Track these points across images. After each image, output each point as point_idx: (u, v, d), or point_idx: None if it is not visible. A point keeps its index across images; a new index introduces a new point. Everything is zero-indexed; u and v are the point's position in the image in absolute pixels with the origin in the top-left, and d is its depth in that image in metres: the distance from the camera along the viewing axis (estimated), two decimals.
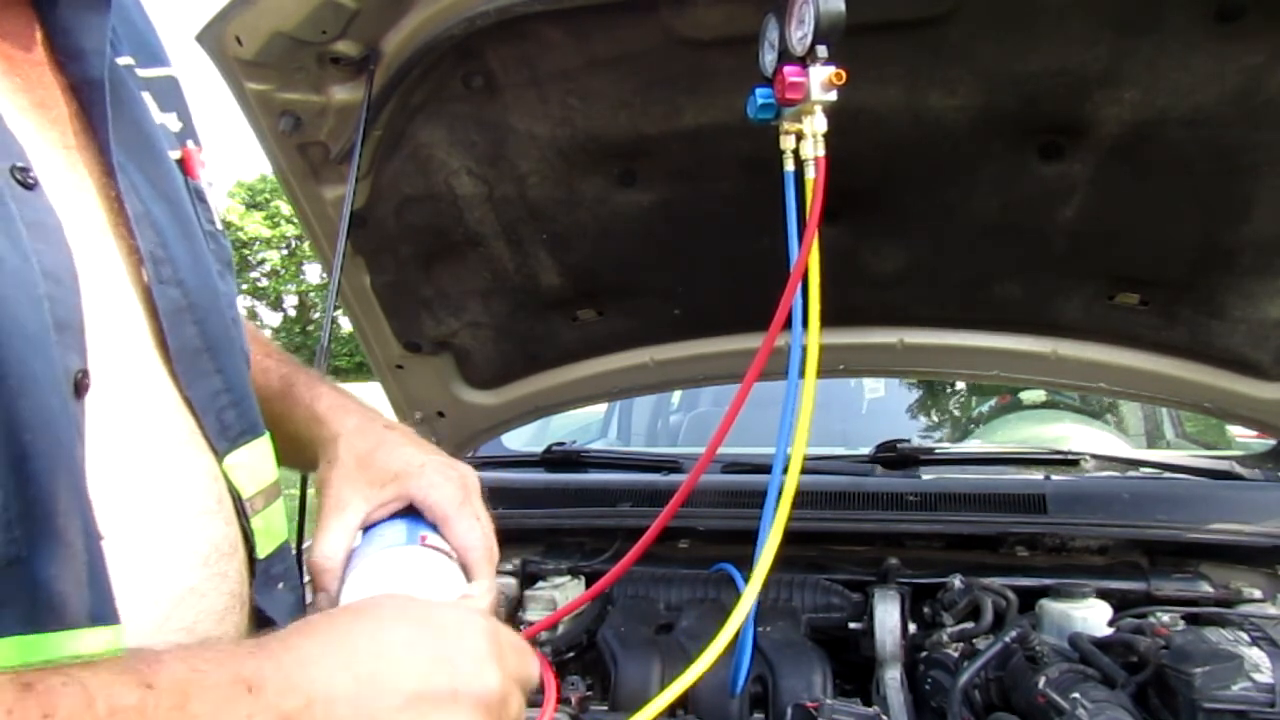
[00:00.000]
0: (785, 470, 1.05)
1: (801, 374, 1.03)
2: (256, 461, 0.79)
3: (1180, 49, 1.30)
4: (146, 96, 0.77)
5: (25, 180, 0.58)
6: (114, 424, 0.63)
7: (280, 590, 0.81)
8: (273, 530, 0.81)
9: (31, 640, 0.54)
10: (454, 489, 0.84)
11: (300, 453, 0.92)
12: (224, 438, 0.75)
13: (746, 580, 1.22)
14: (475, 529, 0.83)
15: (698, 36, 1.37)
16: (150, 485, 0.67)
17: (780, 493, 1.07)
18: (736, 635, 1.01)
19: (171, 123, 0.80)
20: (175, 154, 0.78)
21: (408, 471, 0.84)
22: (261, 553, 0.78)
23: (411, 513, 0.84)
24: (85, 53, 0.68)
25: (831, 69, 1.01)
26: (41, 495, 0.54)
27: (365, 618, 0.63)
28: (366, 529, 0.83)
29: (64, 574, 0.56)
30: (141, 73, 0.77)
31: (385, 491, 0.84)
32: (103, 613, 0.58)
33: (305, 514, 1.31)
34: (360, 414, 0.90)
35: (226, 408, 0.76)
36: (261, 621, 0.78)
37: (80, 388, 0.59)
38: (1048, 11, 1.30)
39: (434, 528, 0.82)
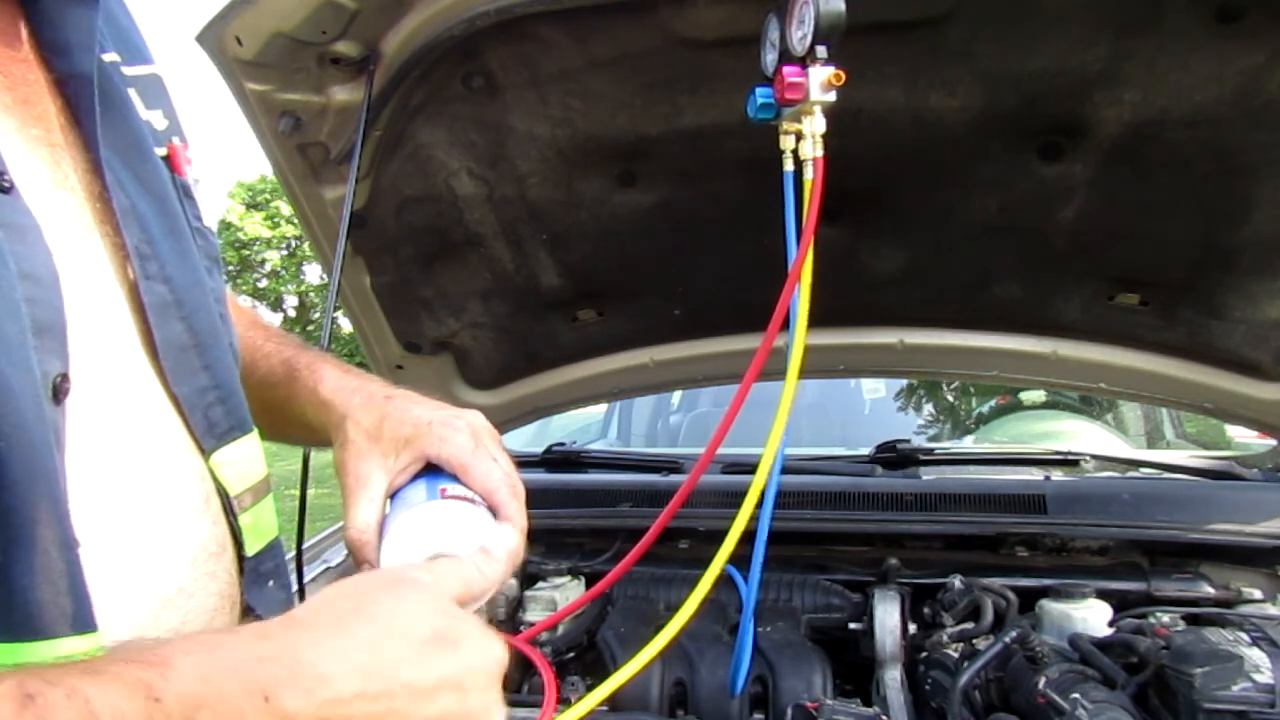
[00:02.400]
0: (782, 471, 1.05)
1: (797, 373, 1.03)
2: (244, 458, 0.79)
3: (1180, 50, 1.30)
4: (132, 93, 0.76)
5: (1, 184, 0.57)
6: (98, 425, 0.63)
7: (271, 588, 0.81)
8: (262, 528, 0.81)
9: (8, 648, 0.54)
10: (465, 437, 0.85)
11: (313, 435, 0.93)
12: (211, 435, 0.75)
13: (747, 581, 1.22)
14: (494, 469, 0.83)
15: (698, 37, 1.37)
16: (136, 486, 0.67)
17: (778, 494, 1.07)
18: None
19: (157, 120, 0.79)
20: (161, 151, 0.78)
21: (417, 432, 0.85)
22: (250, 550, 0.79)
23: (431, 470, 0.85)
24: (72, 47, 0.68)
25: (831, 69, 1.01)
26: (17, 504, 0.54)
27: (374, 615, 0.60)
28: (392, 496, 0.84)
29: (41, 582, 0.55)
30: (127, 70, 0.77)
31: (401, 458, 0.85)
32: (80, 620, 0.58)
33: (305, 514, 1.31)
34: (362, 390, 0.91)
35: (214, 404, 0.75)
36: (253, 620, 0.78)
37: (60, 392, 0.58)
38: (1047, 12, 1.30)
39: (455, 479, 0.84)
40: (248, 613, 0.78)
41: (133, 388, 0.69)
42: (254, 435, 0.81)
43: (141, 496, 0.67)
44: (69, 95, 0.68)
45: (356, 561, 0.81)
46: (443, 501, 0.80)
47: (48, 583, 0.55)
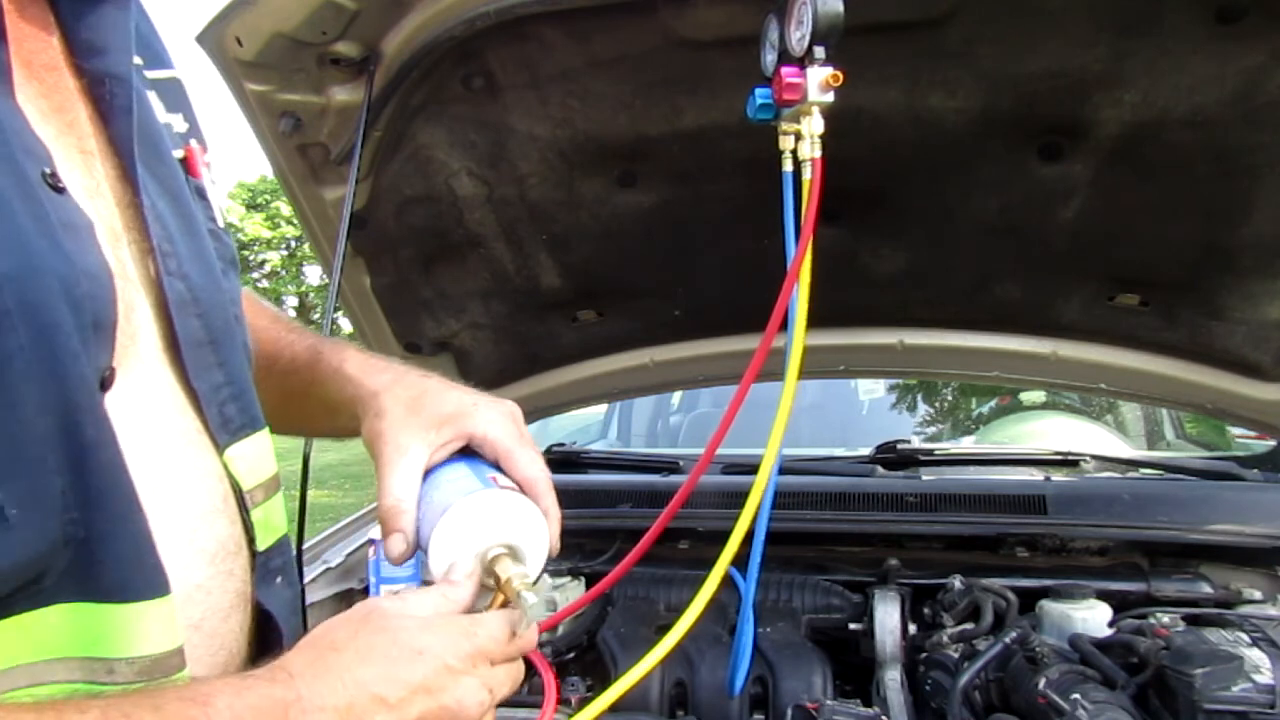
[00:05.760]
0: (783, 471, 1.04)
1: (796, 373, 1.02)
2: (256, 454, 0.80)
3: (1180, 50, 1.30)
4: (152, 96, 0.78)
5: (56, 185, 0.60)
6: (129, 420, 0.65)
7: (279, 584, 0.82)
8: (272, 524, 0.82)
9: (90, 608, 0.59)
10: (510, 424, 0.87)
11: (334, 417, 0.94)
12: (225, 430, 0.76)
13: (746, 581, 1.22)
14: (536, 460, 0.85)
15: (698, 37, 1.37)
16: (161, 482, 0.68)
17: (778, 494, 1.07)
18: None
19: (177, 124, 0.81)
20: (179, 153, 0.79)
21: (462, 411, 0.86)
22: (261, 545, 0.80)
23: (469, 454, 0.85)
24: (109, 48, 0.70)
25: (829, 70, 1.00)
26: (96, 481, 0.58)
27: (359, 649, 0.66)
28: (427, 473, 0.84)
29: (120, 551, 0.60)
30: (148, 74, 0.78)
31: (443, 433, 0.85)
32: (156, 583, 0.63)
33: (305, 514, 1.31)
34: (392, 370, 0.92)
35: (228, 401, 0.76)
36: (260, 616, 0.79)
37: (105, 384, 0.61)
38: (1047, 13, 1.30)
39: (494, 465, 0.84)
40: (257, 608, 0.79)
41: (157, 384, 0.71)
42: (265, 433, 0.82)
43: (167, 491, 0.69)
44: (98, 99, 0.69)
45: (386, 531, 0.81)
46: (500, 491, 0.79)
47: (126, 551, 0.61)
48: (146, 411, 0.68)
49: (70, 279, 0.57)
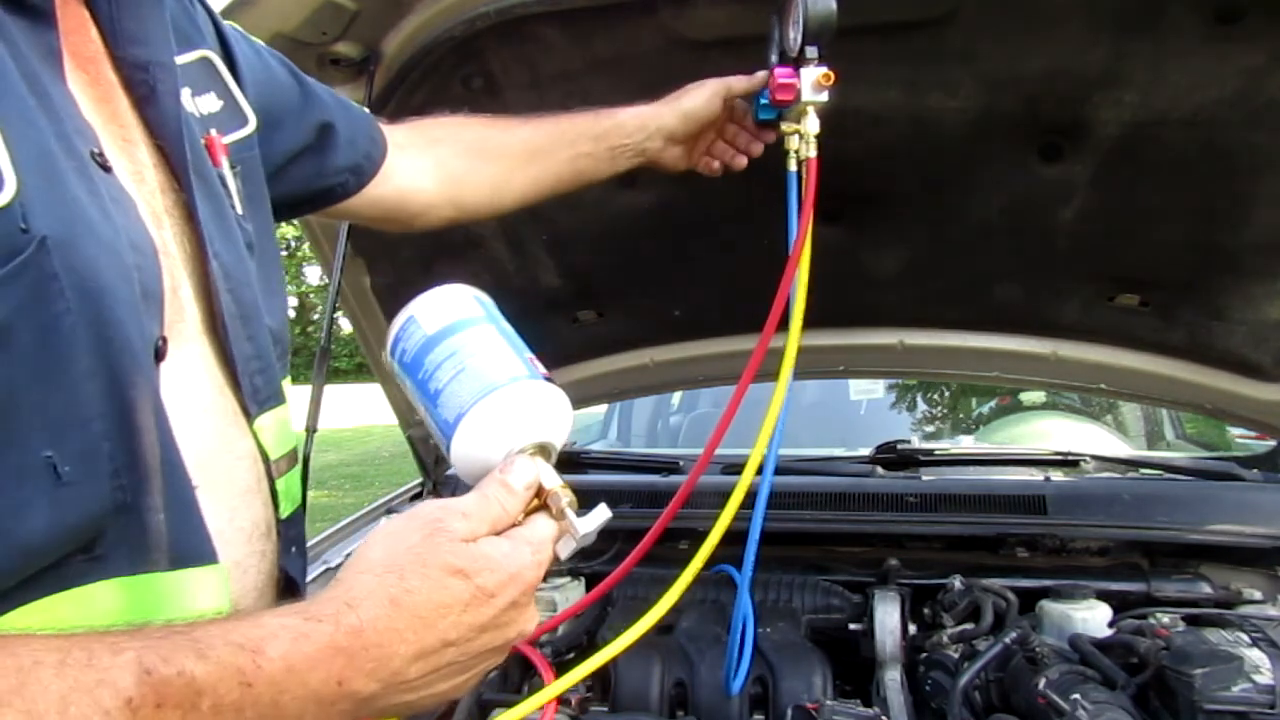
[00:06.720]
0: (783, 472, 1.05)
1: (793, 373, 1.02)
2: (280, 425, 0.83)
3: (1180, 51, 1.30)
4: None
5: (104, 164, 0.62)
6: (179, 395, 0.67)
7: (294, 554, 0.85)
8: (292, 494, 0.85)
9: (140, 580, 0.60)
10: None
11: (611, 145, 1.28)
12: (254, 401, 0.78)
13: (741, 580, 1.22)
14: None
15: (698, 37, 1.37)
16: (207, 458, 0.70)
17: (779, 494, 1.07)
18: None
19: (206, 103, 0.82)
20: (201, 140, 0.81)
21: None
22: (283, 514, 0.82)
23: (490, 313, 0.84)
24: (150, 37, 0.72)
25: (822, 70, 1.01)
26: (143, 448, 0.59)
27: (416, 589, 0.63)
28: (443, 327, 0.83)
29: (167, 519, 0.61)
30: (176, 59, 0.80)
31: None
32: (203, 552, 0.64)
33: (305, 514, 1.31)
34: None
35: (256, 373, 0.79)
36: (281, 585, 0.81)
37: (160, 354, 0.63)
38: (1048, 13, 1.30)
39: (522, 339, 0.82)
40: (280, 580, 0.81)
41: (201, 360, 0.73)
42: (286, 406, 0.85)
43: (212, 468, 0.70)
44: (137, 87, 0.71)
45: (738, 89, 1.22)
46: (548, 385, 0.78)
47: (172, 519, 0.61)
48: (193, 387, 0.70)
49: (119, 249, 0.59)
